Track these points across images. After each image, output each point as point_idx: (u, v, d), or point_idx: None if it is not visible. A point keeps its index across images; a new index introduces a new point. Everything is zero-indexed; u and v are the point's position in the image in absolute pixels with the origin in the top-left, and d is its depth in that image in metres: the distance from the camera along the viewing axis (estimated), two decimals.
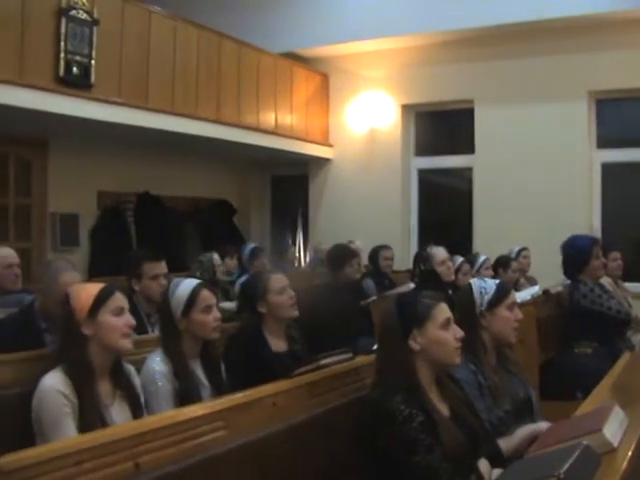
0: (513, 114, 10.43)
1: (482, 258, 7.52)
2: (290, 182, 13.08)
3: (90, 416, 2.81)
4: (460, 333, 2.91)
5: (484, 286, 3.45)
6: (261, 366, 3.79)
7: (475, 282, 3.53)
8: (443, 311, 2.91)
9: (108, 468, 2.16)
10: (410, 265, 8.73)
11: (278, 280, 4.21)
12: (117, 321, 3.02)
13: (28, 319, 3.88)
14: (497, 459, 2.94)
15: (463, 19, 10.00)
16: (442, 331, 2.87)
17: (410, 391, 2.75)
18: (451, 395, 2.94)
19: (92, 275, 7.01)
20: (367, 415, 2.81)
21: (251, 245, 8.30)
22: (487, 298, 3.41)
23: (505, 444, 3.09)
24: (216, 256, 7.28)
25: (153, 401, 3.26)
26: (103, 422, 2.84)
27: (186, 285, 3.55)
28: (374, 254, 7.92)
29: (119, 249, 8.92)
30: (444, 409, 2.87)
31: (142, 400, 3.18)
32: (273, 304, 4.10)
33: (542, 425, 3.13)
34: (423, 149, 11.76)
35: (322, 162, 12.02)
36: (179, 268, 5.19)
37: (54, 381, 2.86)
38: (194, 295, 3.50)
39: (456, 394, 2.98)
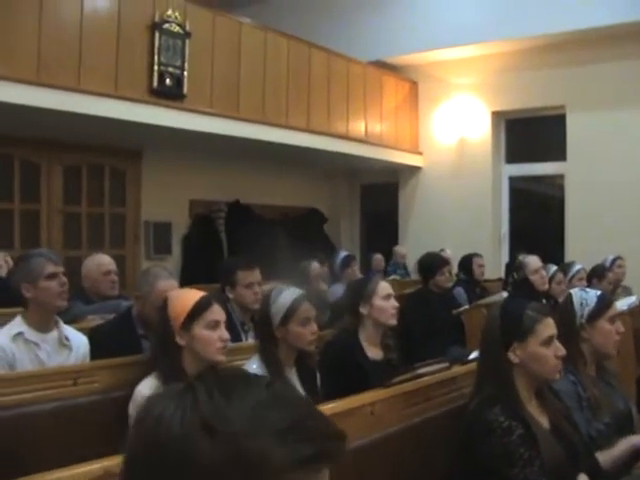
0: (606, 119, 10.20)
1: (576, 267, 7.31)
2: (380, 190, 13.05)
3: None
4: (562, 351, 2.80)
5: (585, 297, 3.35)
6: (356, 372, 3.77)
7: (576, 292, 3.43)
8: (548, 327, 2.81)
9: None
10: (501, 273, 8.62)
11: (386, 287, 4.21)
12: (211, 335, 3.02)
13: (126, 325, 3.93)
14: (596, 475, 2.85)
15: (553, 23, 9.84)
16: (543, 348, 2.77)
17: (509, 402, 2.70)
18: (551, 408, 2.87)
19: (184, 283, 7.09)
20: (465, 425, 2.76)
21: (343, 253, 8.30)
22: (588, 310, 3.31)
23: (604, 457, 3.00)
24: (315, 264, 7.24)
25: None
26: None
27: (288, 295, 3.52)
28: (467, 262, 7.80)
29: (211, 257, 9.04)
30: (544, 422, 2.79)
31: None
32: (377, 308, 4.07)
33: None
34: (514, 156, 11.62)
35: (412, 170, 11.96)
36: (270, 276, 5.22)
37: (149, 388, 2.89)
38: (294, 306, 3.47)
39: (556, 407, 2.90)
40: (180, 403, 1.01)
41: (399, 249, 11.18)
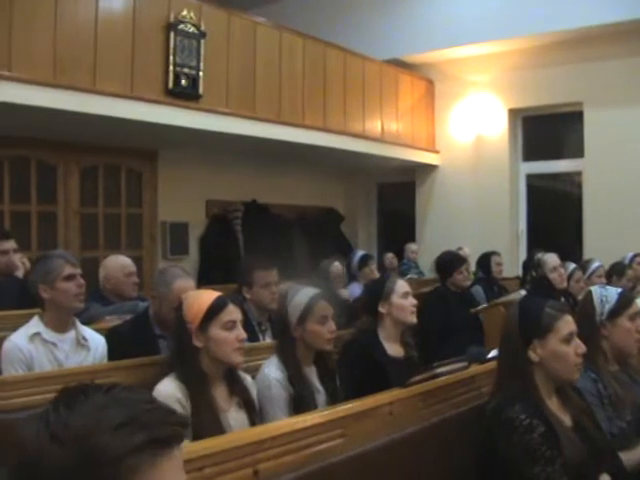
0: (624, 115, 10.12)
1: (595, 265, 7.26)
2: (397, 189, 13.03)
3: (206, 422, 2.82)
4: (582, 348, 2.78)
5: (605, 294, 3.32)
6: (375, 369, 3.77)
7: (596, 290, 3.40)
8: (567, 324, 2.79)
9: (228, 474, 2.16)
10: (519, 272, 8.58)
11: (404, 285, 4.21)
12: (228, 336, 3.00)
13: (143, 326, 3.93)
14: (619, 474, 2.82)
15: (570, 19, 9.78)
16: (564, 345, 2.75)
17: (529, 401, 2.67)
18: (572, 406, 2.84)
19: (201, 283, 7.11)
20: (485, 424, 2.74)
21: (360, 253, 8.29)
22: (608, 307, 3.28)
23: (627, 456, 2.97)
24: (336, 264, 7.23)
25: (268, 407, 3.26)
26: (220, 428, 2.85)
27: (304, 294, 3.52)
28: (485, 260, 7.79)
29: (227, 257, 9.05)
30: (565, 420, 2.76)
31: (257, 406, 3.18)
32: (395, 306, 4.07)
33: None
34: (531, 154, 11.56)
35: (429, 169, 11.93)
36: (287, 276, 5.21)
37: (170, 388, 2.89)
38: (311, 305, 3.47)
39: (578, 404, 2.87)
40: (36, 424, 1.21)
41: (410, 246, 11.17)
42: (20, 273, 5.74)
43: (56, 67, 6.42)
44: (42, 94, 6.24)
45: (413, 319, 4.12)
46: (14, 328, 3.69)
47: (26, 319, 3.75)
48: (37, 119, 6.86)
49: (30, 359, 3.49)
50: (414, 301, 4.17)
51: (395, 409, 2.86)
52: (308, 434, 2.47)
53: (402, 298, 4.11)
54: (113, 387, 1.26)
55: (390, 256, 10.76)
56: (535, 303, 2.88)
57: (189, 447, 2.34)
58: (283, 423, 2.67)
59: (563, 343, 2.75)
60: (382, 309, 4.08)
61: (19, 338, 3.54)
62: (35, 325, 3.62)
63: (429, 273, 9.94)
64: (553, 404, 2.77)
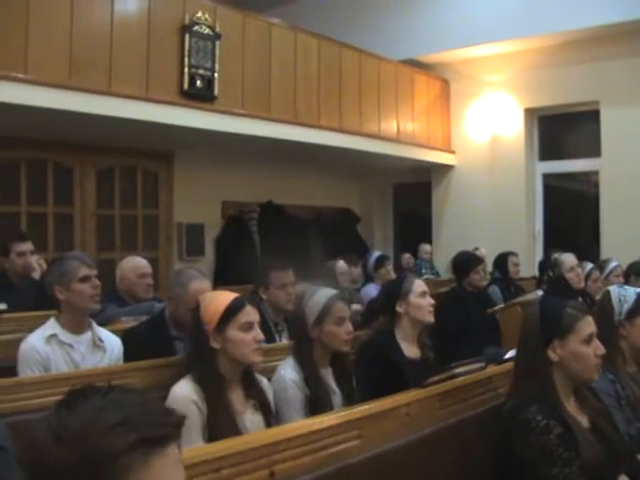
0: None
1: (612, 264, 7.20)
2: (412, 189, 13.02)
3: (222, 423, 2.82)
4: (601, 350, 2.76)
5: (624, 294, 3.31)
6: (392, 370, 3.76)
7: (614, 289, 3.39)
8: (588, 325, 2.77)
9: (245, 475, 2.16)
10: (535, 271, 8.54)
11: (421, 284, 4.20)
12: (245, 337, 2.99)
13: (159, 327, 3.93)
14: (637, 476, 2.79)
15: (585, 18, 9.72)
16: (584, 346, 2.73)
17: (547, 401, 2.65)
18: (590, 407, 2.82)
19: (217, 284, 7.12)
20: (503, 425, 2.73)
21: (376, 253, 8.29)
22: (627, 307, 3.27)
23: None
24: (341, 263, 7.25)
25: (284, 408, 3.25)
26: (236, 430, 2.84)
27: (321, 294, 3.52)
28: (502, 260, 7.75)
29: (243, 258, 9.04)
30: (583, 421, 2.74)
31: (273, 408, 3.17)
32: (413, 305, 4.06)
33: None
34: (547, 153, 11.51)
35: (445, 169, 11.91)
36: (303, 277, 5.20)
37: (186, 390, 2.88)
38: (329, 305, 3.45)
39: (595, 406, 2.85)
40: (43, 425, 1.28)
41: (424, 246, 11.17)
42: (37, 275, 5.76)
43: (72, 69, 6.44)
44: (58, 96, 6.26)
45: (431, 318, 4.11)
46: (31, 329, 3.69)
47: (42, 320, 3.75)
48: (53, 121, 6.89)
49: (47, 360, 3.50)
50: (432, 300, 4.16)
51: (412, 410, 2.85)
52: (325, 435, 2.47)
53: (420, 297, 4.10)
54: (112, 389, 1.33)
55: (407, 256, 10.79)
56: (556, 303, 2.86)
57: (206, 448, 2.35)
58: (299, 424, 2.66)
59: (583, 344, 2.73)
60: (400, 309, 4.07)
61: (36, 339, 3.55)
62: (51, 326, 3.63)
63: (445, 274, 9.92)
64: (571, 405, 2.76)
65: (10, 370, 3.48)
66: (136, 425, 1.24)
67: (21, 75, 6.04)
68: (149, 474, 1.25)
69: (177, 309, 3.84)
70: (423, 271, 10.61)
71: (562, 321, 2.75)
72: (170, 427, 1.32)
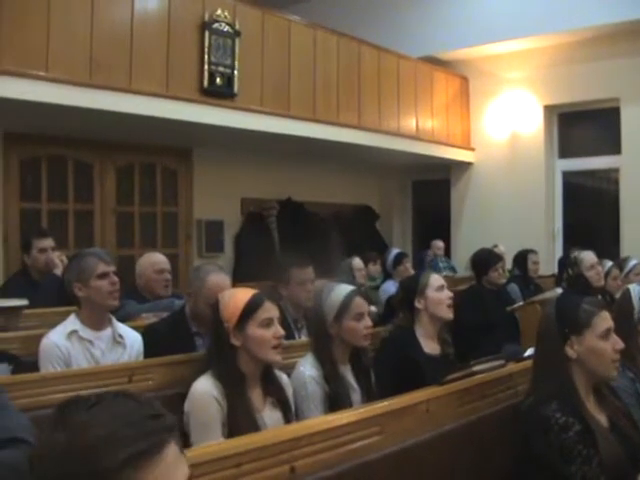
0: None
1: (633, 262, 7.16)
2: (432, 187, 12.99)
3: (242, 420, 2.83)
4: (620, 345, 2.75)
5: None
6: (413, 367, 3.75)
7: (634, 287, 3.38)
8: (604, 320, 2.76)
9: (265, 471, 2.17)
10: (554, 269, 8.50)
11: (438, 279, 4.20)
12: (265, 333, 2.98)
13: (179, 323, 3.95)
14: None
15: (605, 14, 9.66)
16: (601, 341, 2.72)
17: (566, 399, 2.65)
18: (610, 405, 2.81)
19: (236, 281, 7.12)
20: (522, 423, 2.73)
21: (395, 251, 8.29)
22: None
23: None
24: (357, 260, 7.26)
25: (304, 405, 3.25)
26: (255, 427, 2.85)
27: (340, 290, 3.51)
28: (522, 258, 7.71)
29: (263, 255, 9.05)
30: (602, 419, 2.73)
31: (292, 405, 3.18)
32: (431, 300, 4.05)
33: None
34: (567, 150, 11.45)
35: (464, 166, 11.88)
36: (322, 274, 5.20)
37: (207, 386, 2.89)
38: (347, 301, 3.45)
39: (615, 404, 2.84)
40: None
41: (436, 242, 11.10)
42: (59, 271, 5.78)
43: (92, 67, 6.48)
44: (78, 94, 6.30)
45: (450, 314, 4.10)
46: (52, 325, 3.72)
47: (63, 316, 3.77)
48: (74, 119, 6.93)
49: (68, 356, 3.52)
50: (450, 294, 4.15)
51: (432, 407, 2.85)
52: (345, 431, 2.47)
53: (437, 291, 4.09)
54: (100, 400, 1.27)
55: (430, 253, 10.74)
56: (572, 300, 2.86)
57: (226, 444, 2.36)
58: (319, 420, 2.67)
59: (600, 339, 2.72)
60: (418, 304, 4.07)
61: (57, 336, 3.57)
62: (72, 323, 3.65)
63: (465, 271, 9.89)
64: (590, 403, 2.74)
65: (32, 365, 3.51)
66: (123, 441, 1.20)
67: (42, 73, 6.09)
68: None
69: (196, 304, 3.86)
70: (440, 265, 10.56)
71: (578, 317, 2.74)
72: (162, 432, 1.26)
